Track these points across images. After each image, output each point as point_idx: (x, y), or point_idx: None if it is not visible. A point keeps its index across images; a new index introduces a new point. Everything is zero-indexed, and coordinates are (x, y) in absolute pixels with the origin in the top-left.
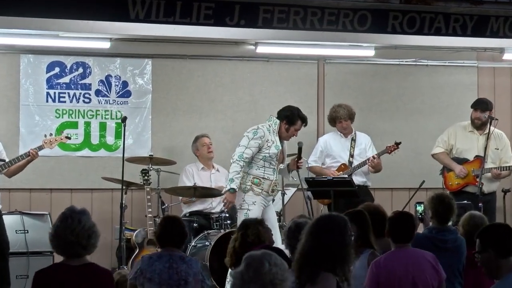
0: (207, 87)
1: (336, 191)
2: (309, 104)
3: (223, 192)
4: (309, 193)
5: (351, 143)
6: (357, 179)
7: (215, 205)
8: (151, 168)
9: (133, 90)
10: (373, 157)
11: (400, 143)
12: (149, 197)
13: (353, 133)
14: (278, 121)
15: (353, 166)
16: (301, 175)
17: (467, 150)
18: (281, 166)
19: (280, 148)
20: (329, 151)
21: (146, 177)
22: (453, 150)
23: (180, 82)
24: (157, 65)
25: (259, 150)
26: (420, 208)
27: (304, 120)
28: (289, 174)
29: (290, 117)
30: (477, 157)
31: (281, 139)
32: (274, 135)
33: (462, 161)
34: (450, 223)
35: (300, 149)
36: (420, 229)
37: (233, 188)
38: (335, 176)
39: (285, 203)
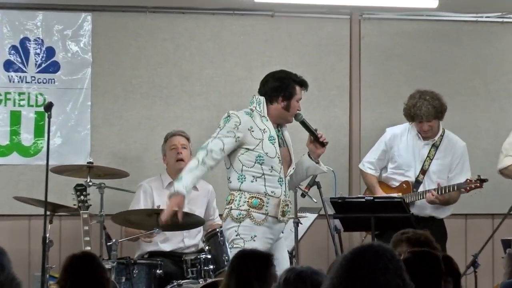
0: (178, 56)
1: (380, 220)
2: (337, 82)
3: (169, 196)
4: (336, 221)
5: (430, 150)
6: (420, 210)
7: (189, 243)
8: (91, 183)
9: (63, 62)
10: (434, 190)
11: (486, 180)
12: (87, 227)
13: (438, 136)
14: (262, 98)
15: (417, 192)
16: (326, 192)
17: None
18: (291, 170)
19: (276, 139)
20: (396, 154)
21: (82, 197)
22: None
23: (137, 49)
24: (100, 23)
25: (241, 147)
26: None
27: (303, 83)
28: (319, 166)
29: (283, 87)
30: None
31: (279, 126)
32: (265, 120)
33: None
34: None
35: (303, 122)
36: None
37: (176, 191)
38: (377, 196)
39: (299, 237)
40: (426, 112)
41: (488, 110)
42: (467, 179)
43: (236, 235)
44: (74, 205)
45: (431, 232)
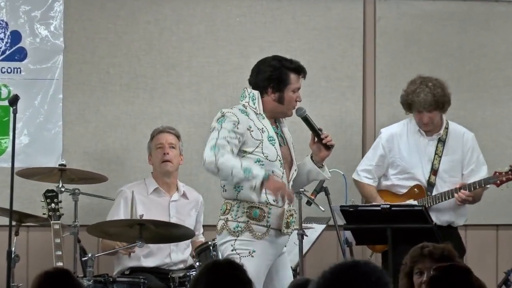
0: (164, 42)
1: (398, 231)
2: (349, 72)
3: (255, 187)
4: (348, 233)
5: (437, 147)
6: (437, 216)
7: (177, 258)
8: (63, 189)
9: (31, 48)
10: (459, 188)
11: None
12: (58, 240)
13: (442, 130)
14: (256, 93)
15: (434, 194)
16: (336, 200)
17: None
18: (293, 172)
19: (276, 139)
20: (397, 157)
21: (53, 205)
22: None
23: (116, 34)
24: (73, 3)
25: (239, 150)
26: None
27: (298, 70)
28: (321, 171)
29: (274, 76)
30: None
31: (278, 122)
32: (261, 118)
33: None
34: None
35: (306, 119)
36: None
37: (265, 175)
38: (395, 204)
39: (305, 252)
40: (424, 100)
41: None
42: (496, 172)
43: (232, 250)
44: (44, 214)
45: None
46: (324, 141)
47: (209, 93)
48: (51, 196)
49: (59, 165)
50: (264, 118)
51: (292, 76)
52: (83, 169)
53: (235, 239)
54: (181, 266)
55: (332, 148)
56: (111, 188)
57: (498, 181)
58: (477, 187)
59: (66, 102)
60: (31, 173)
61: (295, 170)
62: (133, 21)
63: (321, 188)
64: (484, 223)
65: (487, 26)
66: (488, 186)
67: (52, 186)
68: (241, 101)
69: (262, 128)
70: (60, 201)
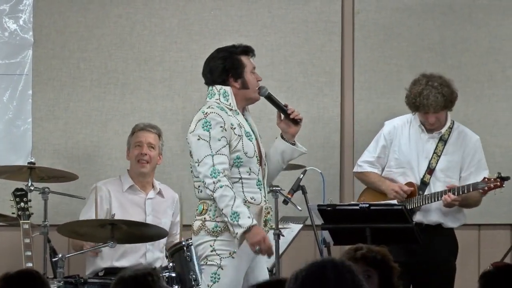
0: (136, 36)
1: (377, 231)
2: (327, 67)
3: (236, 235)
4: (325, 233)
5: (437, 146)
6: (425, 215)
7: (152, 258)
8: (32, 188)
9: None
10: (447, 191)
11: (508, 178)
12: (28, 240)
13: (445, 128)
14: (228, 88)
15: (425, 195)
16: (313, 199)
17: None
18: (264, 167)
19: (253, 135)
20: (395, 148)
21: (22, 204)
22: None
23: (86, 28)
24: None
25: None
26: None
27: (246, 50)
28: (296, 148)
29: (228, 66)
30: None
31: (245, 117)
32: (236, 114)
33: None
34: None
35: (269, 97)
36: None
37: (249, 226)
38: (374, 203)
39: (281, 252)
40: (434, 102)
41: (507, 99)
42: (485, 178)
43: (212, 251)
44: (13, 213)
45: (439, 244)
46: (291, 116)
47: (182, 89)
48: (20, 195)
49: (28, 163)
50: (238, 113)
51: (244, 59)
52: (53, 167)
53: (215, 239)
54: (158, 265)
55: (301, 122)
56: (82, 187)
57: (486, 188)
58: (465, 192)
59: (36, 98)
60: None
61: (265, 164)
62: (104, 14)
63: (298, 187)
64: (467, 223)
65: (469, 19)
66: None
67: (21, 184)
68: (209, 98)
69: (239, 124)
70: (30, 200)
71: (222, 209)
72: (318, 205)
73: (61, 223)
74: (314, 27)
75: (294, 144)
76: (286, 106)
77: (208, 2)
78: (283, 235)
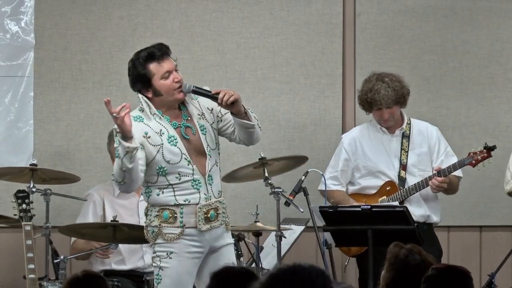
0: (138, 38)
1: (379, 233)
2: (328, 69)
3: (125, 147)
4: (327, 235)
5: (402, 143)
6: (413, 212)
7: (150, 260)
8: (34, 189)
9: (1, 45)
10: (435, 173)
11: (494, 147)
12: (30, 241)
13: (404, 125)
14: (141, 96)
15: (408, 186)
16: (315, 200)
17: None
18: (208, 161)
19: (178, 136)
20: (361, 159)
21: (24, 206)
22: None
23: (88, 30)
24: None
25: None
26: None
27: (151, 56)
28: (241, 120)
29: (135, 78)
30: None
31: (182, 108)
32: (158, 118)
33: None
34: None
35: (195, 91)
36: None
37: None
38: (375, 205)
39: (283, 254)
40: (385, 96)
41: (509, 101)
42: (470, 153)
43: (153, 253)
44: (15, 215)
45: (427, 244)
46: (219, 102)
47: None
48: (22, 197)
49: (30, 164)
50: (161, 117)
51: (151, 66)
52: (54, 169)
53: (155, 245)
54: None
55: (236, 101)
56: (84, 188)
57: (473, 161)
58: (452, 171)
59: (37, 100)
60: (1, 173)
61: (211, 156)
62: (106, 16)
63: (299, 189)
64: (467, 224)
65: (471, 22)
66: (461, 176)
67: (23, 186)
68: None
69: (161, 130)
70: (32, 202)
71: (118, 169)
72: (320, 207)
73: (62, 224)
74: (316, 29)
75: (245, 115)
76: (217, 93)
77: (210, 4)
78: (285, 237)
